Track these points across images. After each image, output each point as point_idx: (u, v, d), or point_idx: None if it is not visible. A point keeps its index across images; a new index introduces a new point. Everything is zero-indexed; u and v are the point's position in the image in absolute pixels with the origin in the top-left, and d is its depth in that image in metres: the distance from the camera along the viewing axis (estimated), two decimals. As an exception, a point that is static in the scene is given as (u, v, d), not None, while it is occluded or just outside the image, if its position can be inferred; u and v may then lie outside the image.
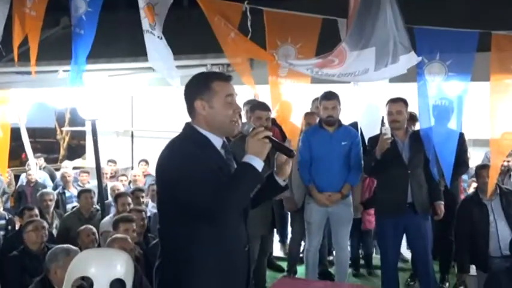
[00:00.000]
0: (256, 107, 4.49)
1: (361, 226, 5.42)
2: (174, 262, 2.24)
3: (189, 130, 2.31)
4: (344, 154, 4.58)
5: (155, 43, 5.21)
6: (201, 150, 2.20)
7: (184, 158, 2.16)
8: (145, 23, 5.23)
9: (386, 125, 4.41)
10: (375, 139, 4.45)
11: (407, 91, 4.80)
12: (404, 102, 4.43)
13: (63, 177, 7.57)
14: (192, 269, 2.20)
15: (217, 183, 2.13)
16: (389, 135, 4.21)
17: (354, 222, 4.90)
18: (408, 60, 4.23)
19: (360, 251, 5.70)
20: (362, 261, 5.70)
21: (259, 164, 2.17)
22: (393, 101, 4.43)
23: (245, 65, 5.12)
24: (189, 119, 2.35)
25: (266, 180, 2.34)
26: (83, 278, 3.44)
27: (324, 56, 4.47)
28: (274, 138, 2.27)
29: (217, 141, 2.31)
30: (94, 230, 4.64)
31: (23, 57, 6.78)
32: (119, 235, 4.02)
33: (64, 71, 6.62)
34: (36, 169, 8.25)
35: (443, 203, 4.48)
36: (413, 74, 4.72)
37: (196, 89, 2.29)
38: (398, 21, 4.17)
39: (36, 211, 5.38)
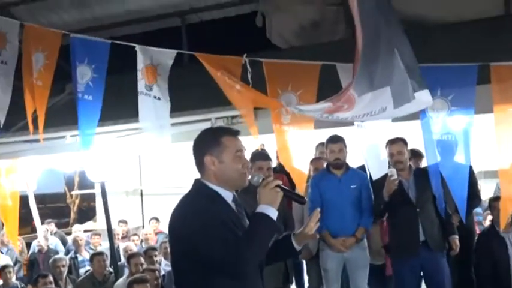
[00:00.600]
0: (257, 157, 4.48)
1: (385, 272, 5.16)
2: None
3: (199, 186, 2.31)
4: (354, 197, 4.56)
5: (149, 104, 5.32)
6: (213, 205, 2.20)
7: (197, 214, 2.15)
8: (141, 85, 5.35)
9: (392, 167, 4.41)
10: (379, 182, 4.45)
11: (410, 129, 4.81)
12: (403, 141, 4.46)
13: (75, 241, 7.53)
14: None
15: (233, 236, 2.11)
16: (396, 176, 4.21)
17: (376, 269, 4.80)
18: (424, 96, 4.16)
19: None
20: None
21: (273, 213, 2.17)
22: (392, 142, 4.46)
23: (250, 115, 5.16)
24: (197, 175, 2.36)
25: (282, 240, 2.35)
26: None
27: (330, 99, 4.48)
28: (285, 187, 2.28)
29: (228, 196, 2.30)
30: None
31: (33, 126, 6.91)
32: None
33: (71, 136, 6.70)
34: (44, 236, 8.20)
35: (457, 237, 4.40)
36: (416, 112, 4.74)
37: (206, 145, 2.30)
38: (408, 58, 4.14)
39: (51, 278, 5.34)
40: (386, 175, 4.44)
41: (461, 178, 4.52)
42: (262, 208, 2.18)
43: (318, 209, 2.51)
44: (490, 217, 5.80)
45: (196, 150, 2.34)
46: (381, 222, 5.06)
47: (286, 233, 2.40)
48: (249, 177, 2.34)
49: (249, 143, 5.39)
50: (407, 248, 4.31)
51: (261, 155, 4.55)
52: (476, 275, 4.75)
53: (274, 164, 5.63)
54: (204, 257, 2.11)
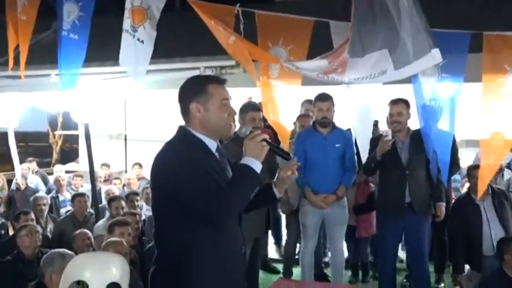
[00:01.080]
0: (249, 108, 4.46)
1: (356, 234, 5.30)
2: (172, 266, 2.23)
3: (183, 133, 2.30)
4: (338, 156, 4.61)
5: (130, 44, 5.21)
6: (197, 153, 2.20)
7: (180, 161, 2.16)
8: (126, 23, 5.22)
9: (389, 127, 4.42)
10: (376, 140, 4.48)
11: (401, 93, 4.82)
12: (405, 102, 4.45)
13: (57, 181, 7.54)
14: (191, 271, 2.20)
15: (216, 185, 2.13)
16: (390, 137, 4.24)
17: (347, 229, 4.90)
18: (431, 57, 4.11)
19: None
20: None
21: (257, 167, 2.19)
22: (394, 103, 4.45)
23: (249, 62, 5.07)
24: (182, 122, 2.35)
25: (263, 187, 2.36)
26: (78, 282, 3.43)
27: (325, 56, 4.44)
28: (271, 142, 2.29)
29: (212, 145, 2.31)
30: (89, 234, 4.63)
31: (14, 62, 6.76)
32: (113, 239, 4.01)
33: (56, 74, 6.58)
34: (23, 175, 8.18)
35: (444, 204, 4.49)
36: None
37: (192, 92, 2.29)
38: (415, 20, 4.08)
39: (32, 215, 5.36)
40: (381, 135, 4.47)
41: (444, 145, 4.57)
42: (246, 160, 2.19)
43: (296, 159, 2.55)
44: (467, 184, 5.93)
45: (182, 97, 2.32)
46: (358, 183, 5.16)
47: (267, 181, 2.42)
48: (236, 127, 2.34)
49: (237, 95, 5.39)
50: (392, 208, 4.38)
51: (253, 106, 4.54)
52: (450, 239, 4.88)
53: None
54: (185, 204, 2.13)
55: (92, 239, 4.62)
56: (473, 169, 4.72)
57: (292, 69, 4.74)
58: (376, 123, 5.32)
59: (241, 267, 2.40)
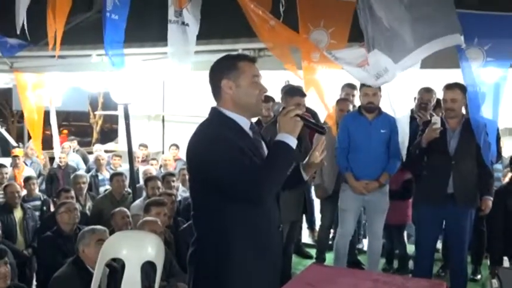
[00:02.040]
0: (296, 93, 4.44)
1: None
2: (211, 246, 2.24)
3: (215, 114, 2.31)
4: (383, 142, 4.46)
5: (177, 32, 5.23)
6: (230, 132, 2.21)
7: (215, 140, 2.16)
8: (170, 12, 5.24)
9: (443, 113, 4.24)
10: (425, 126, 4.29)
11: (439, 77, 4.68)
12: (460, 88, 4.16)
13: (97, 160, 7.71)
14: (230, 250, 2.21)
15: (251, 163, 2.14)
16: (439, 125, 4.02)
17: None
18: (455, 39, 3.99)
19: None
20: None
21: (292, 142, 2.18)
22: (448, 88, 4.16)
23: (284, 49, 5.05)
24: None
25: (292, 169, 2.34)
26: (115, 260, 3.52)
27: (363, 45, 4.35)
28: (305, 116, 2.27)
29: (244, 123, 2.30)
30: (128, 212, 4.71)
31: (54, 42, 6.89)
32: (149, 218, 4.08)
33: (98, 55, 6.70)
34: (63, 152, 8.40)
35: (491, 198, 4.26)
36: (445, 61, 4.59)
37: (223, 69, 2.28)
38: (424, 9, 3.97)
39: (73, 193, 5.51)
40: (429, 121, 4.29)
41: (488, 134, 4.39)
42: (281, 136, 2.18)
43: (323, 138, 2.51)
44: (510, 174, 5.74)
45: (213, 76, 2.32)
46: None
47: (294, 164, 2.41)
48: (269, 106, 2.34)
49: (275, 78, 5.36)
50: (432, 197, 4.21)
51: (300, 92, 4.50)
52: (488, 230, 4.76)
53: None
54: (222, 183, 2.14)
55: (130, 218, 4.71)
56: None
57: (331, 59, 4.67)
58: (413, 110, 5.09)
59: (279, 246, 2.41)
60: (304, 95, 4.46)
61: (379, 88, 4.46)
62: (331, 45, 5.00)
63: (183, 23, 5.27)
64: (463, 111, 4.35)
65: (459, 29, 3.91)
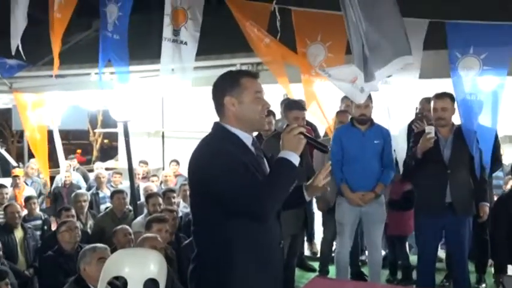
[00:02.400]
0: (294, 106, 4.42)
1: (386, 231, 5.13)
2: (211, 262, 2.23)
3: (218, 129, 2.31)
4: (376, 153, 4.50)
5: (173, 50, 5.31)
6: (233, 147, 2.21)
7: (217, 155, 2.17)
8: (167, 31, 5.30)
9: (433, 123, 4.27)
10: (417, 136, 4.31)
11: (438, 87, 4.70)
12: (450, 97, 4.21)
13: (98, 178, 7.70)
14: (231, 267, 2.20)
15: (254, 178, 2.15)
16: (433, 135, 4.04)
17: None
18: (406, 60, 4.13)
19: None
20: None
21: (295, 159, 2.18)
22: (438, 97, 4.20)
23: (279, 64, 5.11)
24: (217, 118, 2.36)
25: (294, 189, 2.33)
26: (117, 278, 3.49)
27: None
28: (308, 134, 2.29)
29: (247, 139, 2.31)
30: (130, 230, 4.68)
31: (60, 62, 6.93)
32: (149, 234, 4.07)
33: (96, 73, 6.74)
34: (67, 171, 8.41)
35: (488, 204, 4.29)
36: (444, 70, 4.62)
37: (226, 86, 2.29)
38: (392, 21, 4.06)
39: (73, 212, 5.50)
40: (423, 131, 4.30)
41: (486, 141, 4.41)
42: (284, 154, 2.19)
43: (329, 163, 2.51)
44: (511, 182, 5.74)
45: (216, 92, 2.33)
46: (394, 181, 5.03)
47: (296, 184, 2.36)
48: (273, 122, 2.35)
49: (273, 92, 5.38)
50: (431, 208, 4.21)
51: (298, 105, 4.48)
52: (492, 238, 4.73)
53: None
54: (223, 198, 2.14)
55: (132, 235, 4.69)
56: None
57: (324, 75, 4.73)
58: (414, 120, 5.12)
59: (280, 262, 2.40)
60: (303, 109, 4.46)
61: (371, 100, 4.50)
62: (328, 59, 5.06)
63: (181, 41, 5.33)
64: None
65: (409, 50, 4.05)
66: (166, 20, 5.32)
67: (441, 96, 4.21)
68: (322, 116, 5.20)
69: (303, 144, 2.22)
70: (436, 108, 4.20)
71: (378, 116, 4.94)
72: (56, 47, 5.99)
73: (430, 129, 4.08)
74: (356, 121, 4.57)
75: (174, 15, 5.30)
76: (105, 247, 3.74)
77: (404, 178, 4.73)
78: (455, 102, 4.32)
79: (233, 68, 5.81)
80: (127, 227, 4.75)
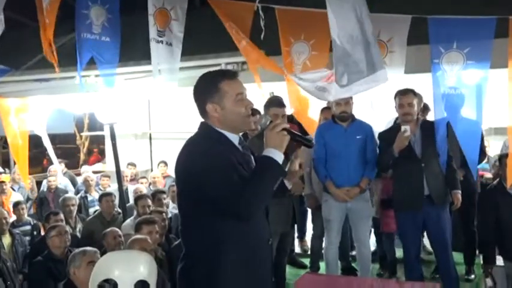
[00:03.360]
0: (272, 104, 4.37)
1: (380, 228, 5.24)
2: (200, 261, 2.24)
3: (205, 128, 2.31)
4: (359, 148, 4.52)
5: (160, 50, 5.30)
6: (220, 146, 2.21)
7: (204, 154, 2.17)
8: (153, 31, 5.29)
9: (400, 118, 4.34)
10: (386, 134, 4.39)
11: (423, 82, 4.74)
12: (414, 93, 4.30)
13: (86, 181, 7.65)
14: (219, 265, 2.20)
15: (239, 177, 2.14)
16: (409, 133, 4.10)
17: (374, 222, 4.87)
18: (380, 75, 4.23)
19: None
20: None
21: (279, 157, 2.18)
22: (403, 93, 4.28)
23: (255, 69, 5.14)
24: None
25: None
26: (107, 280, 3.48)
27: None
28: (292, 130, 2.28)
29: (234, 138, 2.31)
30: (120, 232, 4.66)
31: (40, 65, 6.87)
32: (138, 236, 4.05)
33: (83, 76, 6.69)
34: (60, 174, 8.37)
35: (460, 191, 4.35)
36: (426, 65, 4.66)
37: (205, 93, 2.27)
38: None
39: (62, 216, 5.46)
40: (391, 128, 4.41)
41: (471, 134, 4.47)
42: (268, 151, 2.18)
43: (301, 148, 2.49)
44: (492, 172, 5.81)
45: (197, 98, 2.31)
46: (384, 178, 5.08)
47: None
48: (256, 119, 2.35)
49: (257, 91, 5.41)
50: (412, 202, 4.27)
51: (276, 102, 4.41)
52: (479, 229, 4.79)
53: (289, 111, 5.64)
54: (210, 197, 2.14)
55: (122, 237, 4.67)
56: (505, 157, 4.60)
57: (296, 81, 4.80)
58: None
59: (269, 260, 2.41)
60: (282, 105, 4.37)
61: (351, 97, 4.52)
62: (312, 57, 5.09)
63: (166, 42, 5.32)
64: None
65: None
66: (151, 21, 5.30)
67: (406, 92, 4.28)
68: (306, 114, 5.23)
69: (286, 141, 2.21)
70: (403, 104, 4.26)
71: (361, 111, 4.98)
72: (48, 52, 5.98)
73: (405, 128, 4.13)
74: (337, 118, 4.59)
75: (158, 16, 5.29)
76: (95, 250, 3.72)
77: (382, 171, 4.80)
78: (433, 97, 4.43)
79: (218, 68, 5.81)
80: (117, 229, 4.73)
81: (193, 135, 2.33)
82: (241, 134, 2.41)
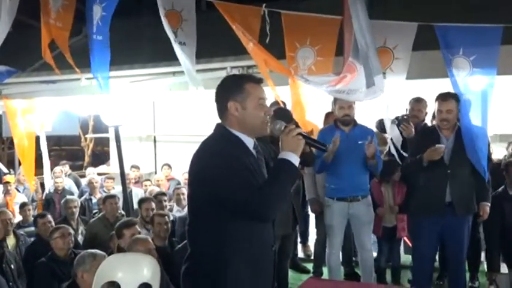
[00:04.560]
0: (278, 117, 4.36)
1: (397, 234, 5.12)
2: (205, 263, 2.24)
3: (221, 130, 2.32)
4: (361, 153, 4.45)
5: (178, 50, 5.29)
6: (235, 149, 2.23)
7: (220, 156, 2.18)
8: (170, 33, 5.28)
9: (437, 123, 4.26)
10: (419, 138, 4.32)
11: (426, 88, 4.74)
12: (455, 98, 4.15)
13: (90, 183, 7.66)
14: (225, 268, 2.21)
15: (256, 180, 2.17)
16: (443, 149, 4.00)
17: (387, 230, 4.87)
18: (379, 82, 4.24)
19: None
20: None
21: (296, 160, 2.21)
22: (444, 99, 4.11)
23: (263, 69, 5.12)
24: (211, 122, 2.38)
25: None
26: (113, 283, 3.48)
27: (338, 72, 4.49)
28: (307, 134, 2.32)
29: (249, 142, 2.32)
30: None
31: (46, 66, 6.89)
32: (140, 236, 4.03)
33: (87, 78, 6.72)
34: (59, 177, 8.36)
35: (489, 204, 4.26)
36: (431, 70, 4.66)
37: (230, 91, 2.30)
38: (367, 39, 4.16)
39: (49, 217, 5.38)
40: (424, 132, 4.37)
41: (479, 140, 4.41)
42: (284, 154, 2.21)
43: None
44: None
45: (219, 96, 2.33)
46: (394, 182, 5.04)
47: None
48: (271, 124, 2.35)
49: (267, 93, 5.41)
50: (431, 208, 4.15)
51: (283, 115, 4.30)
52: (485, 236, 4.76)
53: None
54: (225, 199, 2.15)
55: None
56: (508, 164, 4.59)
57: (303, 82, 4.78)
58: (398, 118, 5.10)
59: (271, 265, 2.41)
60: (290, 120, 4.26)
61: (354, 101, 4.51)
62: (317, 62, 5.10)
63: (180, 42, 5.33)
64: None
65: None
66: (164, 21, 5.31)
67: (446, 97, 4.13)
68: (304, 119, 5.22)
69: (302, 145, 2.25)
70: (441, 110, 4.12)
71: (377, 113, 4.95)
72: (67, 54, 5.96)
73: (441, 146, 4.04)
74: (340, 122, 4.57)
75: (169, 17, 5.30)
76: (104, 254, 3.70)
77: (403, 181, 4.78)
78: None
79: (223, 72, 5.83)
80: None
81: (208, 137, 2.34)
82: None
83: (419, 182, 4.29)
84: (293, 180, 2.26)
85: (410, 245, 5.52)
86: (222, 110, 2.32)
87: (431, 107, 4.84)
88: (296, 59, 5.21)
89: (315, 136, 4.94)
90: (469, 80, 4.45)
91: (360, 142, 4.47)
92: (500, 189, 4.53)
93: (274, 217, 2.25)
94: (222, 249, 2.21)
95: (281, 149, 2.24)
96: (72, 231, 4.62)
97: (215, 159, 2.18)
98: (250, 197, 2.11)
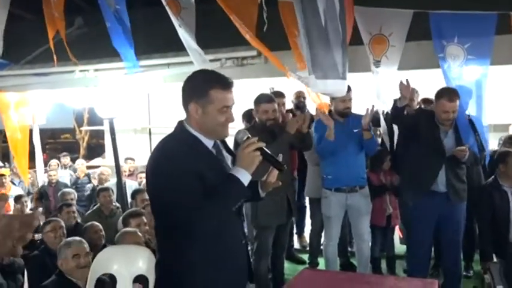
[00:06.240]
0: (262, 100, 4.29)
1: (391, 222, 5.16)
2: (171, 259, 2.24)
3: (180, 130, 2.28)
4: (358, 141, 4.49)
5: (183, 35, 5.28)
6: (191, 150, 2.18)
7: (171, 159, 2.14)
8: (173, 18, 5.26)
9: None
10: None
11: (420, 78, 4.73)
12: (458, 96, 4.14)
13: (101, 174, 7.77)
14: (194, 273, 2.19)
15: (200, 191, 2.10)
16: (467, 156, 4.07)
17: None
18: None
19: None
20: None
21: (246, 178, 2.15)
22: (450, 100, 4.08)
23: (270, 55, 5.08)
24: None
25: (249, 184, 2.24)
26: (107, 275, 3.48)
27: None
28: (267, 150, 2.22)
29: (208, 142, 2.27)
30: (100, 226, 4.61)
31: (40, 59, 6.85)
32: (128, 229, 4.05)
33: (80, 71, 6.68)
34: (53, 169, 8.34)
35: (466, 149, 4.15)
36: (425, 61, 4.64)
37: (194, 92, 2.23)
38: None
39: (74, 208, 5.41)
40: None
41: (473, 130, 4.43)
42: (236, 171, 2.16)
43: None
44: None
45: (184, 93, 2.27)
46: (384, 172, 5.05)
47: (253, 179, 2.28)
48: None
49: (259, 85, 5.39)
50: (426, 195, 4.22)
51: (266, 98, 4.32)
52: (478, 226, 4.78)
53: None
54: (171, 207, 2.11)
55: (103, 232, 4.60)
56: (506, 155, 4.58)
57: (296, 78, 4.77)
58: (384, 112, 5.10)
59: (243, 259, 2.39)
60: (271, 101, 4.28)
61: (351, 91, 4.50)
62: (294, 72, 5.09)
63: (179, 25, 5.30)
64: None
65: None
66: (168, 9, 5.28)
67: (453, 98, 4.10)
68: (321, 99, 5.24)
69: (256, 163, 2.17)
70: (448, 111, 4.11)
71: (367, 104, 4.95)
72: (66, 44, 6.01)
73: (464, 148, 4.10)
74: (339, 114, 4.56)
75: (169, 4, 5.27)
76: (80, 240, 3.73)
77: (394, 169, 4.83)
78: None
79: (218, 63, 5.79)
80: (97, 223, 4.66)
81: (167, 136, 2.30)
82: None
83: (415, 167, 4.33)
84: (238, 198, 2.19)
85: (401, 235, 5.58)
86: (185, 107, 2.27)
87: (423, 96, 4.85)
88: (298, 46, 5.17)
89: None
90: (464, 69, 4.44)
91: (355, 130, 4.48)
92: (490, 179, 4.53)
93: (211, 228, 2.16)
94: (187, 253, 2.18)
95: (235, 163, 2.19)
96: (63, 224, 4.61)
97: (164, 162, 2.15)
98: (187, 209, 2.05)
